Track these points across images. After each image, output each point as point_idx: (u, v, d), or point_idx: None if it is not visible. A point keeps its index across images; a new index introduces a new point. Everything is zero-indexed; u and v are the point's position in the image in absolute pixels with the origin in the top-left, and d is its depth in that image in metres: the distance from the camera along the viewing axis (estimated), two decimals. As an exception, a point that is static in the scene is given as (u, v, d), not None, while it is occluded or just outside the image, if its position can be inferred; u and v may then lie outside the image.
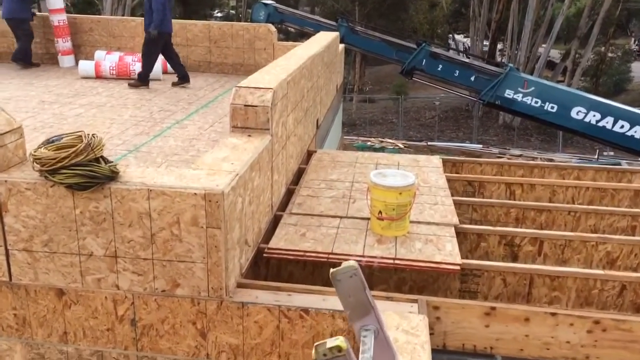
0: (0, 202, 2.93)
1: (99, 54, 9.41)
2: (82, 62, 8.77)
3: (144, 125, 6.24)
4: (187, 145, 5.56)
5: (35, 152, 2.89)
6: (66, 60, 9.61)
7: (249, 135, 3.80)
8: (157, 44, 8.05)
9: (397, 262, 3.43)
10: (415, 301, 3.06)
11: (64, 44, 9.56)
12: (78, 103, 7.12)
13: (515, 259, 4.14)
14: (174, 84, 8.37)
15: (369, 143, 18.52)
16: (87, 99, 7.36)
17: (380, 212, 3.70)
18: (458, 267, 3.39)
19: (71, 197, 2.90)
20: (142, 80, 8.16)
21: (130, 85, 8.19)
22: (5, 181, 2.90)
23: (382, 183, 3.67)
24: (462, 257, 3.59)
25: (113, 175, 2.91)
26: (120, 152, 5.27)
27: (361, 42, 13.13)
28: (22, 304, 3.10)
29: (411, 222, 3.87)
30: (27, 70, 9.18)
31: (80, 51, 9.80)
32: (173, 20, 8.46)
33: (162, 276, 2.99)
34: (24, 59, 9.18)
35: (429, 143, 19.21)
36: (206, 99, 7.73)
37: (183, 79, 8.37)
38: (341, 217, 4.04)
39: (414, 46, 12.50)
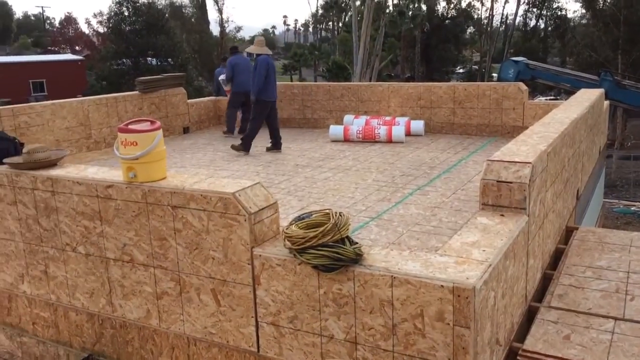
0: (254, 274, 3.06)
1: (348, 118, 9.98)
2: (332, 127, 9.36)
3: (386, 191, 6.23)
4: (429, 215, 5.33)
5: (287, 229, 2.96)
6: None
7: (502, 215, 3.39)
8: (262, 111, 8.34)
9: (703, 395, 2.59)
10: None
11: None
12: (327, 166, 7.52)
13: None
14: (268, 149, 8.55)
15: (633, 208, 16.00)
16: (335, 162, 7.74)
17: (674, 322, 2.89)
18: None
19: (316, 276, 2.87)
20: (244, 145, 8.35)
21: (233, 147, 8.45)
22: (260, 255, 3.02)
23: (678, 285, 2.88)
24: None
25: (357, 258, 2.80)
26: (363, 219, 5.29)
27: (631, 98, 11.51)
28: (266, 377, 3.15)
29: None
30: (286, 134, 10.15)
31: (331, 115, 10.54)
32: (426, 84, 8.44)
33: (402, 372, 2.73)
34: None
35: None
36: (448, 163, 7.48)
37: (276, 146, 8.55)
38: (616, 319, 3.30)
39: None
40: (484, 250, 2.88)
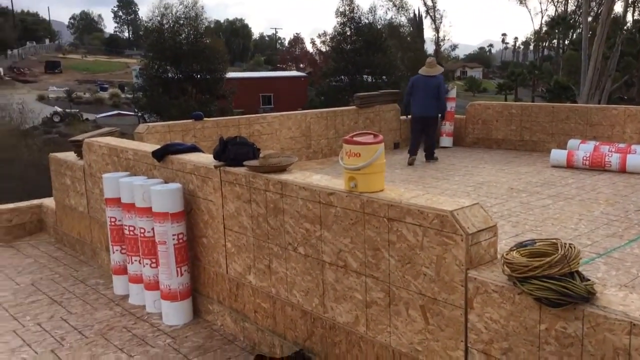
0: (467, 297, 2.94)
1: (572, 142, 9.14)
2: (554, 151, 8.68)
3: (617, 226, 5.54)
4: (673, 259, 4.59)
5: (507, 255, 2.79)
6: (446, 141, 11.04)
7: None
8: (412, 124, 9.44)
9: None
10: None
11: (449, 127, 11.02)
12: (546, 193, 6.97)
13: None
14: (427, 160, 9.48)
15: None
16: (555, 190, 7.14)
17: None
18: None
19: (537, 310, 2.64)
20: (409, 154, 9.39)
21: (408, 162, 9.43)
22: (475, 278, 2.89)
23: None
24: None
25: (589, 297, 2.51)
26: (588, 254, 4.77)
27: None
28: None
29: None
30: (500, 155, 9.71)
31: (553, 139, 9.77)
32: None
33: None
34: (433, 154, 9.65)
35: None
36: (701, 200, 6.36)
37: (427, 157, 9.51)
38: None
39: None
40: None
